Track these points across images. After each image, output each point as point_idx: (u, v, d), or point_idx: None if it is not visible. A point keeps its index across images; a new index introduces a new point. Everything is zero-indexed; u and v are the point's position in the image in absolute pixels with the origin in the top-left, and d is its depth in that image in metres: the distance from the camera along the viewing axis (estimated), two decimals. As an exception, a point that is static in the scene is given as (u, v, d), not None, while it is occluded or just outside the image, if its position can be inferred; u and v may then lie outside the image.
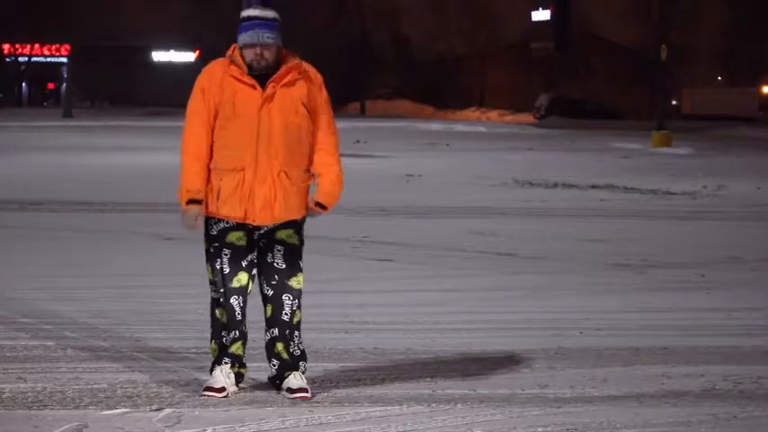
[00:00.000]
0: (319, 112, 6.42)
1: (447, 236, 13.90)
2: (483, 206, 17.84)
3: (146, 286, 9.86)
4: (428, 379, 6.79)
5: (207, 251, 6.40)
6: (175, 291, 9.63)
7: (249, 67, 6.31)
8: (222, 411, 6.01)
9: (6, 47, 78.01)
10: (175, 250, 12.21)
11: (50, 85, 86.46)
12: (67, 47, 74.42)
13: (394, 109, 79.78)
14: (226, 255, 6.31)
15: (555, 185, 22.17)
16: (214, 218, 6.34)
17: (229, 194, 6.26)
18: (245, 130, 6.28)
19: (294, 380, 6.37)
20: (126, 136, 38.60)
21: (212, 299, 6.43)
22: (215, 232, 6.34)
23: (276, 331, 6.40)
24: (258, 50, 6.27)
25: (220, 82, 6.31)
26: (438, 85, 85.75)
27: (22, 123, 46.06)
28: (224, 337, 6.38)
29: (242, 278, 6.33)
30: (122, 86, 79.72)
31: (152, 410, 6.00)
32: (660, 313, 9.13)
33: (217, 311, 6.41)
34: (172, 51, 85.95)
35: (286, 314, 6.39)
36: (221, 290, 6.33)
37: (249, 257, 6.35)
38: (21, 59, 79.51)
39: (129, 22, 79.64)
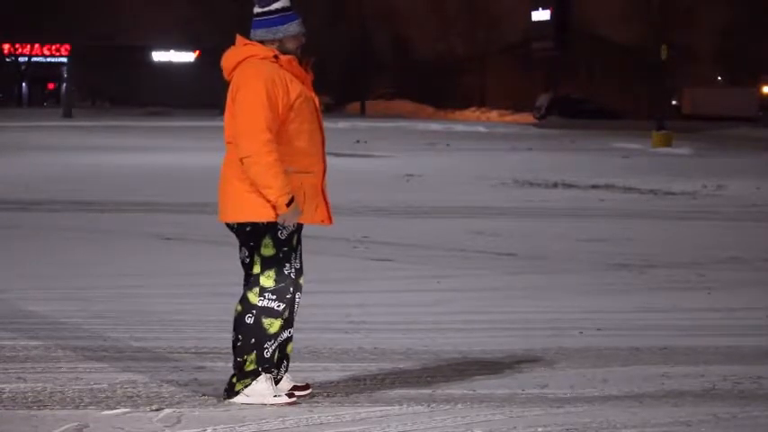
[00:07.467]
0: None
1: (447, 236, 13.89)
2: (483, 206, 17.83)
3: (146, 286, 9.85)
4: (428, 379, 6.79)
5: (272, 257, 6.08)
6: (175, 291, 9.63)
7: None
8: (222, 411, 6.01)
9: (6, 47, 78.13)
10: (175, 250, 12.21)
11: (50, 85, 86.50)
12: (67, 47, 74.59)
13: (394, 109, 79.85)
14: (295, 258, 6.15)
15: (555, 185, 22.15)
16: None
17: (312, 197, 6.13)
18: (316, 131, 6.19)
19: (287, 382, 6.32)
20: (126, 136, 38.59)
21: (264, 308, 6.06)
22: (285, 236, 6.09)
23: (291, 330, 6.28)
24: (303, 40, 6.22)
25: (287, 82, 6.07)
26: (438, 85, 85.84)
27: (22, 123, 46.06)
28: (266, 348, 6.07)
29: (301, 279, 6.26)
30: (122, 86, 79.81)
31: (152, 410, 5.99)
32: (660, 313, 9.12)
33: (266, 321, 6.06)
34: (172, 51, 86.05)
35: (295, 312, 6.34)
36: (288, 296, 6.09)
37: None
38: (21, 59, 79.63)
39: (129, 22, 79.78)
